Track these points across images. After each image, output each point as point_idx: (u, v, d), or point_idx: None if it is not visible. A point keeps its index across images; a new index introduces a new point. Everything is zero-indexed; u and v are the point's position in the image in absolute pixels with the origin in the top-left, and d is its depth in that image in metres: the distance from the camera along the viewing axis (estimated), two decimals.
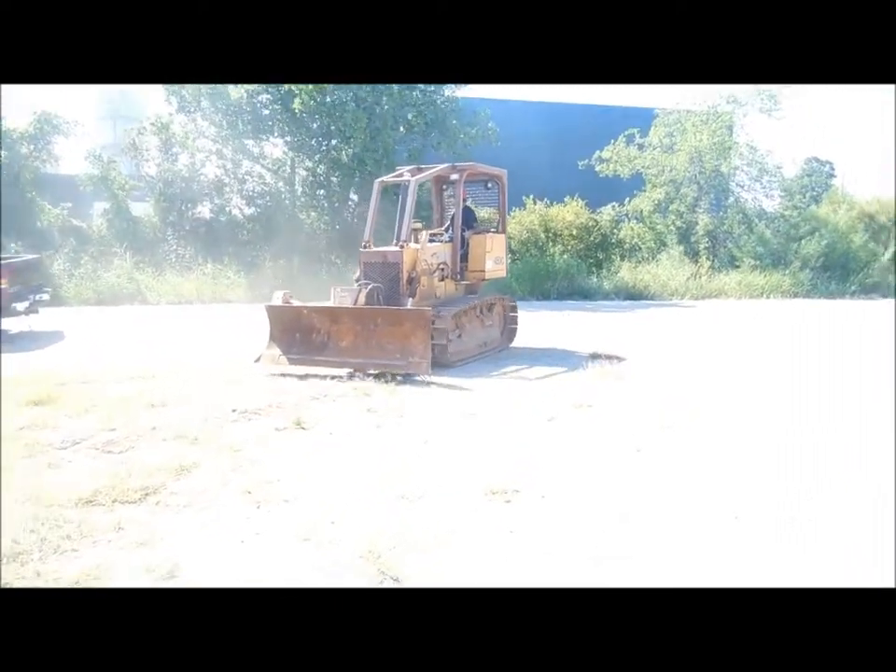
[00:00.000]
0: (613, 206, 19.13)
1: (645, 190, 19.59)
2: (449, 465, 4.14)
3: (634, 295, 16.19)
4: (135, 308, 13.69)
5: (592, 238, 18.31)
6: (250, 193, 18.20)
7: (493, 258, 8.63)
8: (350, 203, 18.22)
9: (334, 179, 17.88)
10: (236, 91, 16.53)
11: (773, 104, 18.62)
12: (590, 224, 18.37)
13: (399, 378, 6.36)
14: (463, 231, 8.35)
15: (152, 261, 16.09)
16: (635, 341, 9.26)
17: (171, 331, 10.31)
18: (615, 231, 18.87)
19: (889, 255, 18.23)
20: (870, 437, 4.81)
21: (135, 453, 4.31)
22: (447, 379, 6.52)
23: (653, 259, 18.13)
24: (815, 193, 24.15)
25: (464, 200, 8.63)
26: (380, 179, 8.28)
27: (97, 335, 9.90)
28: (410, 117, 17.41)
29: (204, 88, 16.51)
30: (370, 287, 7.25)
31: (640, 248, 18.74)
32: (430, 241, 8.13)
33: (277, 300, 7.45)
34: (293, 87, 15.65)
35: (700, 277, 16.95)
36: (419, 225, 8.08)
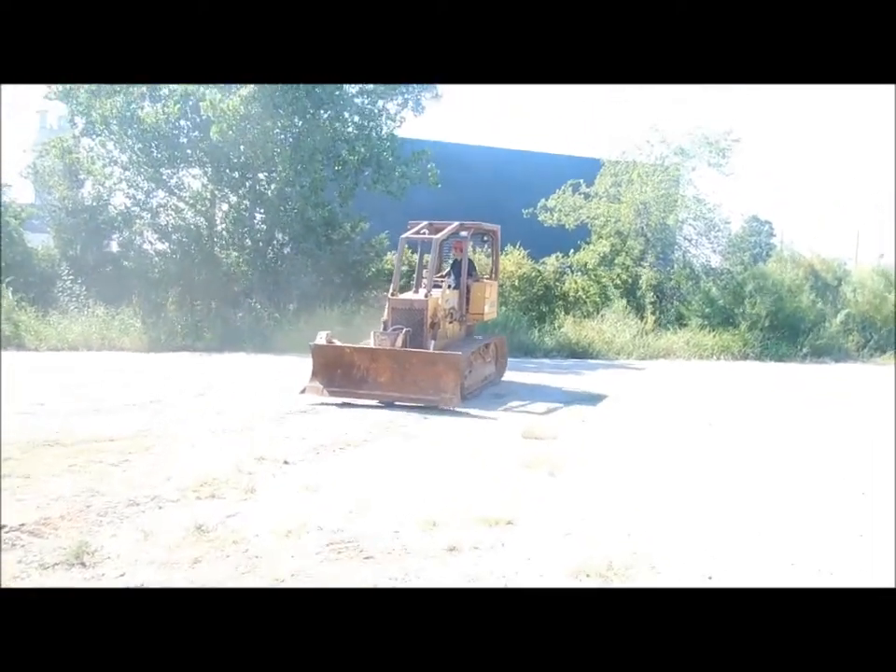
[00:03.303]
0: (557, 257, 18.08)
1: (590, 241, 18.71)
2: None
3: (577, 353, 14.97)
4: (7, 354, 11.72)
5: (535, 290, 17.21)
6: (164, 227, 16.43)
7: (489, 302, 10.00)
8: (275, 242, 16.69)
9: (258, 216, 16.38)
10: (151, 116, 14.92)
11: (721, 158, 18.09)
12: (532, 275, 17.27)
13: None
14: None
15: (42, 300, 14.21)
16: (583, 421, 7.98)
17: (30, 389, 8.52)
18: (558, 282, 17.81)
19: (840, 318, 17.56)
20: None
21: None
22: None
23: (598, 313, 17.09)
24: (756, 252, 23.87)
25: (461, 251, 9.64)
26: (404, 236, 9.33)
27: None
28: (343, 153, 16.10)
29: (115, 109, 14.83)
30: (403, 331, 8.20)
31: (585, 302, 17.70)
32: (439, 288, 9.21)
33: (321, 339, 8.41)
34: (210, 115, 14.15)
35: (647, 335, 15.94)
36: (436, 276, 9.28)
